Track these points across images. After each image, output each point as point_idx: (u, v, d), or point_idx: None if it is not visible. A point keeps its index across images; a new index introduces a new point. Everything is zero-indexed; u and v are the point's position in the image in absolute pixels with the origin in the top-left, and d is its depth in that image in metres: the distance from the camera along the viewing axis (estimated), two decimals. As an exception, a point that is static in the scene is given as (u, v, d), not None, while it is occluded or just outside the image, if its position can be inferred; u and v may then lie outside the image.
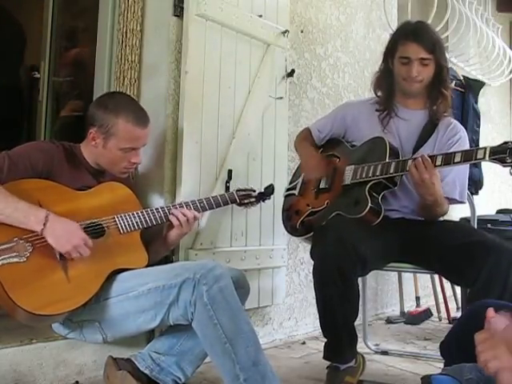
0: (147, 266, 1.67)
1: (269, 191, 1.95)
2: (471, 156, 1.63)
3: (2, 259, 1.43)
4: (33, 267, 1.47)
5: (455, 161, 1.66)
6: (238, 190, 1.88)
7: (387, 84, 2.03)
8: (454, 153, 1.68)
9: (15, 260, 1.45)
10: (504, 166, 1.55)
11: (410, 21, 2.07)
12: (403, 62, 1.92)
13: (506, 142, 1.55)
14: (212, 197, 1.82)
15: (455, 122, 2.04)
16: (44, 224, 1.47)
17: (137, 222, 1.66)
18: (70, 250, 1.49)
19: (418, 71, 1.90)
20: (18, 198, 1.48)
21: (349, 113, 2.12)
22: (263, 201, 1.95)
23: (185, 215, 1.73)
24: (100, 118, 1.70)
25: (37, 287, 1.46)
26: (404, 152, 1.91)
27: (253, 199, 1.91)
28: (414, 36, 1.90)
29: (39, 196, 1.55)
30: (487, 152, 1.57)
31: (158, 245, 1.83)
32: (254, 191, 1.92)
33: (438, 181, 1.73)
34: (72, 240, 1.49)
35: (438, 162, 1.69)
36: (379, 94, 2.07)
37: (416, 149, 1.94)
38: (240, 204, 1.88)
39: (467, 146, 1.96)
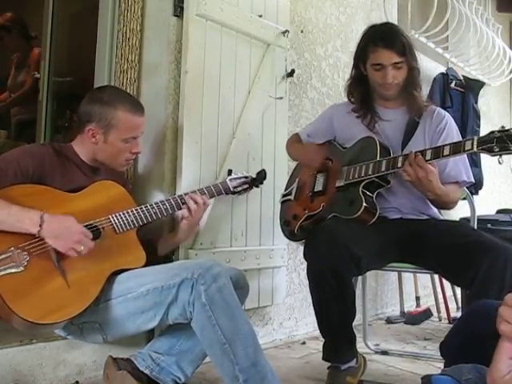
0: (146, 263, 1.66)
1: (261, 176, 1.97)
2: (460, 148, 1.62)
3: (0, 270, 1.41)
4: (31, 276, 1.44)
5: (444, 154, 1.65)
6: (230, 179, 1.89)
7: (362, 90, 2.04)
8: (443, 146, 1.68)
9: (13, 270, 1.42)
10: (492, 156, 1.54)
11: (376, 24, 2.04)
12: (376, 68, 1.92)
13: (492, 132, 1.54)
14: (206, 187, 1.82)
15: (438, 108, 2.04)
16: (40, 225, 1.44)
17: (132, 221, 1.65)
18: (71, 246, 1.46)
19: (393, 76, 1.90)
20: (10, 203, 1.45)
21: (334, 116, 2.12)
22: (256, 186, 1.97)
23: (196, 201, 1.73)
24: (97, 113, 1.68)
25: (37, 296, 1.43)
26: (393, 151, 1.90)
27: (246, 186, 1.92)
28: (384, 42, 1.88)
29: (31, 202, 1.51)
30: (475, 142, 1.57)
31: (166, 240, 1.84)
32: (247, 177, 1.93)
33: (435, 176, 1.71)
34: (72, 236, 1.46)
35: (428, 157, 1.69)
36: (353, 100, 2.07)
37: (404, 146, 1.94)
38: (234, 192, 1.89)
39: (455, 130, 1.97)
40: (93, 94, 1.76)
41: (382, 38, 1.90)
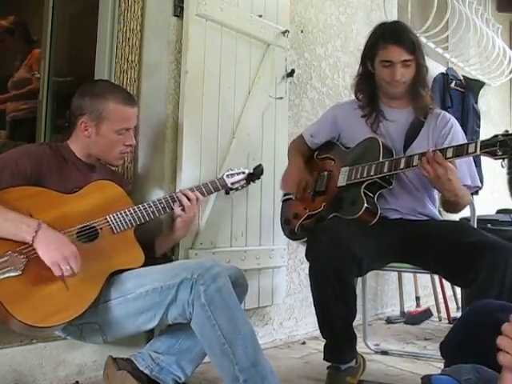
0: (144, 262, 1.65)
1: (258, 171, 1.97)
2: (463, 151, 1.62)
3: None
4: (29, 279, 1.43)
5: (447, 156, 1.65)
6: (227, 175, 1.89)
7: (369, 88, 2.03)
8: (446, 148, 1.67)
9: (11, 274, 1.41)
10: (495, 159, 1.54)
11: (385, 22, 2.05)
12: (385, 65, 1.91)
13: (496, 135, 1.54)
14: (203, 184, 1.82)
15: (443, 112, 2.04)
16: (36, 232, 1.42)
17: (129, 220, 1.65)
18: (59, 259, 1.42)
19: (402, 73, 1.90)
20: (8, 208, 1.45)
21: (339, 114, 2.12)
22: (253, 181, 1.97)
23: (189, 198, 1.74)
24: (89, 106, 1.68)
25: (35, 299, 1.42)
26: (396, 152, 1.90)
27: (243, 181, 1.92)
28: (394, 39, 1.88)
29: (28, 204, 1.50)
30: (478, 146, 1.57)
31: (164, 238, 1.85)
32: (244, 173, 1.93)
33: (455, 176, 1.67)
34: (62, 250, 1.44)
35: None
36: (360, 97, 2.06)
37: (406, 147, 1.93)
38: (231, 188, 1.89)
39: (460, 133, 1.97)
40: (84, 87, 1.76)
41: (392, 35, 1.90)
